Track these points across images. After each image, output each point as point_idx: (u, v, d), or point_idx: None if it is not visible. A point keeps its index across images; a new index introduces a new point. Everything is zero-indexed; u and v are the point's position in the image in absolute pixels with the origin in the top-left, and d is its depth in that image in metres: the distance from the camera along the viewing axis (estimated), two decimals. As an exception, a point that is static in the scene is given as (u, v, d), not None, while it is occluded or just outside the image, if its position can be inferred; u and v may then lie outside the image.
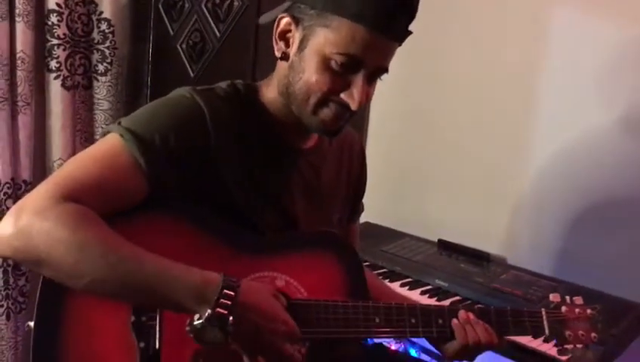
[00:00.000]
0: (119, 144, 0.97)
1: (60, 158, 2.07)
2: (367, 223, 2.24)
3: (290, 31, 1.03)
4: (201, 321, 0.88)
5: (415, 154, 2.35)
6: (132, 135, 0.97)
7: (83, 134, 2.18)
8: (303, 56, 1.01)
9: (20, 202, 0.91)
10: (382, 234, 2.24)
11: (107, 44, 2.14)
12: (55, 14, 1.99)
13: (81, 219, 0.90)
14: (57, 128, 2.06)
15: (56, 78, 2.03)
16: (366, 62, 0.99)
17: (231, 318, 0.88)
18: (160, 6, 2.16)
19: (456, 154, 2.22)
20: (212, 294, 0.89)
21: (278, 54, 1.06)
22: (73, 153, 2.11)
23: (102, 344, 0.95)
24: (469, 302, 1.77)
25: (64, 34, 2.02)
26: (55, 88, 2.04)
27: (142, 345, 0.94)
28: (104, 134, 1.02)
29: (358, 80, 1.00)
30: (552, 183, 2.00)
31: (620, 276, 1.83)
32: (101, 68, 2.14)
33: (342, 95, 1.01)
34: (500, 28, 2.08)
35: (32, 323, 0.93)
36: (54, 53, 2.02)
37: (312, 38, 1.00)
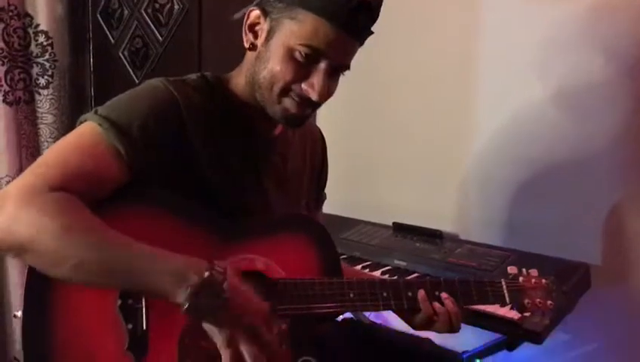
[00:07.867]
0: (98, 132, 0.99)
1: (7, 175, 2.03)
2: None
3: (259, 23, 1.08)
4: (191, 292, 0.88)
5: (363, 142, 2.41)
6: (110, 123, 0.99)
7: (28, 150, 2.15)
8: (270, 46, 1.07)
9: (1, 192, 0.92)
10: (337, 223, 2.25)
11: (47, 56, 2.11)
12: (-10, 29, 1.96)
13: (64, 204, 0.91)
14: (2, 145, 2.02)
15: (-4, 93, 1.99)
16: (327, 55, 1.05)
17: (225, 283, 0.89)
18: (98, 15, 2.15)
19: (404, 139, 2.30)
20: (194, 278, 0.88)
21: (246, 45, 1.11)
22: (20, 170, 2.07)
23: (90, 327, 0.96)
24: (428, 277, 1.83)
25: (1, 48, 1.99)
26: (-4, 104, 2.00)
27: (130, 326, 0.96)
28: (80, 123, 1.03)
29: (319, 71, 1.06)
30: (494, 159, 2.10)
31: (563, 240, 1.94)
32: (42, 81, 2.11)
33: (302, 85, 1.07)
34: (438, 16, 2.17)
35: (19, 313, 0.93)
36: (-7, 68, 1.98)
37: (278, 29, 1.05)
